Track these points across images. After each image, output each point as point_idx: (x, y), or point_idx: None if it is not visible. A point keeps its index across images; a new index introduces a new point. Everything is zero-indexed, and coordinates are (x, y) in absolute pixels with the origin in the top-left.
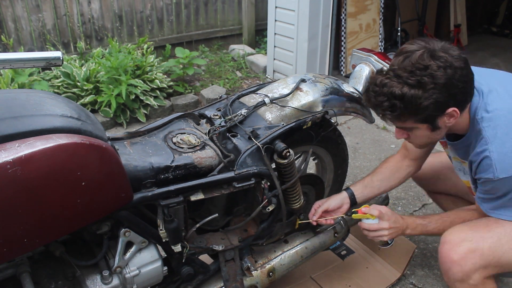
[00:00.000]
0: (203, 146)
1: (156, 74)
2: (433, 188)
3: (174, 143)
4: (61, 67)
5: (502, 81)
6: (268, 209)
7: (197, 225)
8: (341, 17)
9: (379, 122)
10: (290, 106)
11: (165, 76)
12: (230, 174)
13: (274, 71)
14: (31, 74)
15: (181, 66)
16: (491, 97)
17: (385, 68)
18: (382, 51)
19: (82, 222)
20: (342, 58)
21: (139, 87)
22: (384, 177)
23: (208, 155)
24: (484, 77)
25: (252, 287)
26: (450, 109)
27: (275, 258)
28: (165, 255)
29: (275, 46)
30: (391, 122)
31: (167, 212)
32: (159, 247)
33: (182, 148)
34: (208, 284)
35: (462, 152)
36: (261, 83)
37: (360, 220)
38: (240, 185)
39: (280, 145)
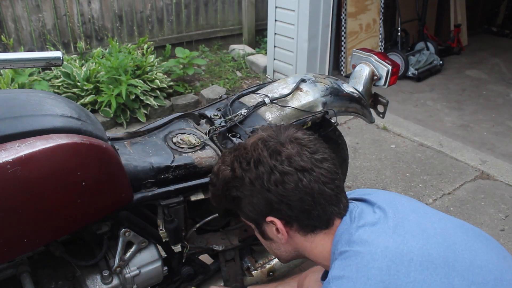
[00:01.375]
0: (203, 146)
1: (156, 74)
2: None
3: (174, 143)
4: (61, 67)
5: (402, 212)
6: None
7: (197, 225)
8: (341, 17)
9: (379, 122)
10: (290, 106)
11: (165, 76)
12: None
13: (274, 71)
14: (31, 74)
15: (181, 66)
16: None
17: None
18: (382, 51)
19: (82, 222)
20: (342, 58)
21: (139, 87)
22: None
23: (208, 155)
24: (384, 199)
25: None
26: (270, 218)
27: (275, 258)
28: (165, 255)
29: (275, 46)
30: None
31: (167, 212)
32: (159, 247)
33: (182, 148)
34: (208, 284)
35: None
36: (261, 83)
37: None
38: None
39: None
